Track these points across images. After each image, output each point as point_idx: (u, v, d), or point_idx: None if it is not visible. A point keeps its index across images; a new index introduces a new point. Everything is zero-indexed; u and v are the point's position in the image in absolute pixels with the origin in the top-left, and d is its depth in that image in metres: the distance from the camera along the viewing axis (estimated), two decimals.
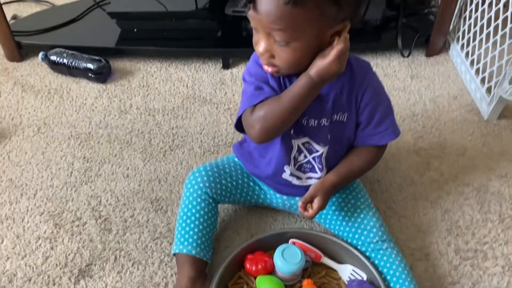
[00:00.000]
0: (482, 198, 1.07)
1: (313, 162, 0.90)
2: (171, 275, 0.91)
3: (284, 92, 0.77)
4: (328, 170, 0.91)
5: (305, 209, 0.86)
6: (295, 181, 0.93)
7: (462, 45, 1.49)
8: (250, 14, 0.71)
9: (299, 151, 0.88)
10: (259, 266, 0.86)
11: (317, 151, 0.88)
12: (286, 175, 0.92)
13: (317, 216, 0.98)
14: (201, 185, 0.93)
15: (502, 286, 0.89)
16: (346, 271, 0.89)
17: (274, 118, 0.76)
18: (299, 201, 0.86)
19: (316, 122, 0.84)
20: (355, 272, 0.87)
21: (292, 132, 0.85)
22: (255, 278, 0.86)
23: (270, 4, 0.67)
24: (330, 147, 0.87)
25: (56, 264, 0.94)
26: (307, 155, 0.89)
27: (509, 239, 0.98)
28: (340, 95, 0.81)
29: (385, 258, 0.87)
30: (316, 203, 0.85)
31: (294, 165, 0.91)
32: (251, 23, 0.73)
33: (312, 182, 0.92)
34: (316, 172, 0.91)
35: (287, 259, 0.84)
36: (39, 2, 1.92)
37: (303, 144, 0.87)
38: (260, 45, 0.73)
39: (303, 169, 0.91)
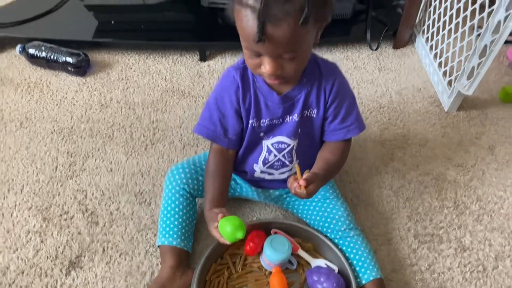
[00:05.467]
0: (440, 186, 1.17)
1: (283, 159, 0.97)
2: (157, 264, 0.99)
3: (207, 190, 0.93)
4: (299, 163, 0.97)
5: (306, 186, 0.82)
6: (267, 177, 1.01)
7: (427, 38, 1.58)
8: (254, 47, 0.72)
9: (269, 151, 0.95)
10: (250, 245, 0.95)
11: (287, 145, 0.94)
12: (257, 173, 1.00)
13: (291, 206, 1.07)
14: (179, 181, 1.01)
15: (454, 266, 1.00)
16: (319, 264, 0.97)
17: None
18: (301, 181, 0.82)
19: (288, 118, 0.90)
20: (327, 266, 0.96)
21: (262, 134, 0.92)
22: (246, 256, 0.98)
23: (285, 31, 0.68)
24: (299, 140, 0.94)
25: (47, 257, 1.00)
26: (277, 154, 0.96)
27: (462, 223, 1.09)
28: (309, 93, 0.88)
29: (351, 244, 0.96)
30: (311, 187, 0.84)
31: (264, 165, 0.98)
32: (252, 52, 0.75)
33: (285, 176, 1.00)
34: (287, 166, 0.98)
35: (276, 248, 0.93)
36: None
37: (272, 144, 0.94)
38: (268, 67, 0.75)
39: (275, 167, 0.98)
